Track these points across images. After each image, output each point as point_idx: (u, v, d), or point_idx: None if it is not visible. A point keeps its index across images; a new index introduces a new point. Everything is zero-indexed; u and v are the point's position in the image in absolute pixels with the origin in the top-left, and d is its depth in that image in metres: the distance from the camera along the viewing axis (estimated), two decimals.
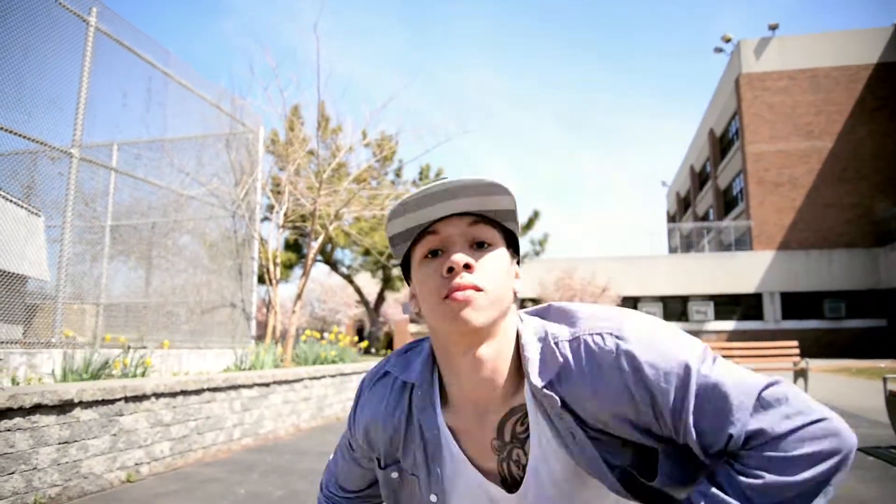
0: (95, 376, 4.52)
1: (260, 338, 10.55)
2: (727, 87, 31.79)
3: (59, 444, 3.59)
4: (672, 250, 34.22)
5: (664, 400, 0.90)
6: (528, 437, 1.00)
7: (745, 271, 27.62)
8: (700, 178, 39.82)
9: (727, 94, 31.76)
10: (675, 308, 28.54)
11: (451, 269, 0.94)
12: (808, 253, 27.53)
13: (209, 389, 4.91)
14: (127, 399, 4.08)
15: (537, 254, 18.55)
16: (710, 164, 35.90)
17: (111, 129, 7.10)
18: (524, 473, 1.00)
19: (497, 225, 1.01)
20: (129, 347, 5.17)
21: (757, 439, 0.87)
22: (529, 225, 18.00)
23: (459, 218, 0.99)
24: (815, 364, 19.59)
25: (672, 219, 49.33)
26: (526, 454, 1.00)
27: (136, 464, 4.16)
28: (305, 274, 9.03)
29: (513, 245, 1.05)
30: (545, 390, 0.96)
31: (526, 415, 1.00)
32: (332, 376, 7.22)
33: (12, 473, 3.30)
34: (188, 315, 7.77)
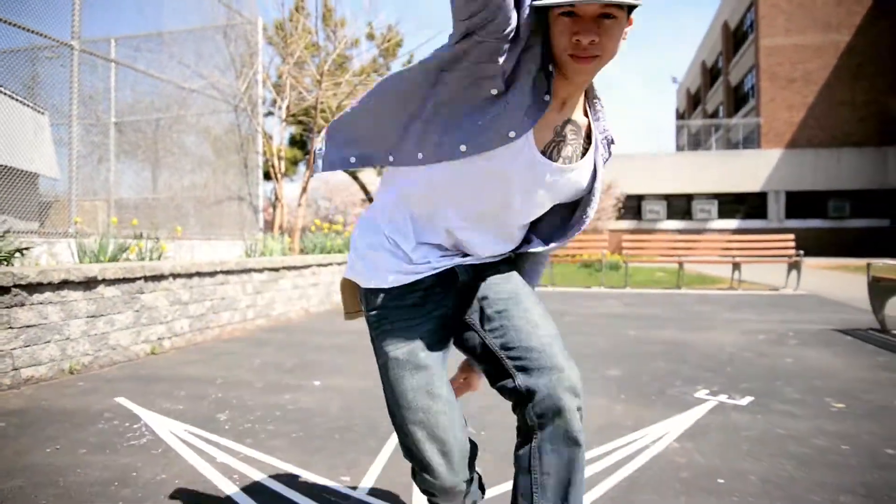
0: (114, 259, 4.77)
1: (268, 231, 10.81)
2: None
3: (88, 317, 3.88)
4: (679, 148, 33.88)
5: None
6: (571, 140, 1.34)
7: (752, 170, 27.46)
8: (711, 75, 38.76)
9: None
10: (679, 206, 28.63)
11: (578, 44, 1.17)
12: (817, 151, 27.23)
13: (222, 272, 5.19)
14: (146, 278, 4.35)
15: None
16: (722, 59, 34.83)
17: (108, 23, 7.03)
18: (558, 159, 1.33)
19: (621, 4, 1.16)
20: (142, 234, 5.40)
21: None
22: None
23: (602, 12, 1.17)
24: (814, 261, 19.91)
25: (681, 116, 48.43)
26: (560, 152, 1.34)
27: (159, 338, 4.49)
28: (310, 168, 9.16)
29: (630, 12, 1.23)
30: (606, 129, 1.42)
31: (577, 132, 1.36)
32: (339, 264, 7.51)
33: (48, 342, 3.61)
34: (197, 209, 7.97)
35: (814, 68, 27.82)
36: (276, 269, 6.06)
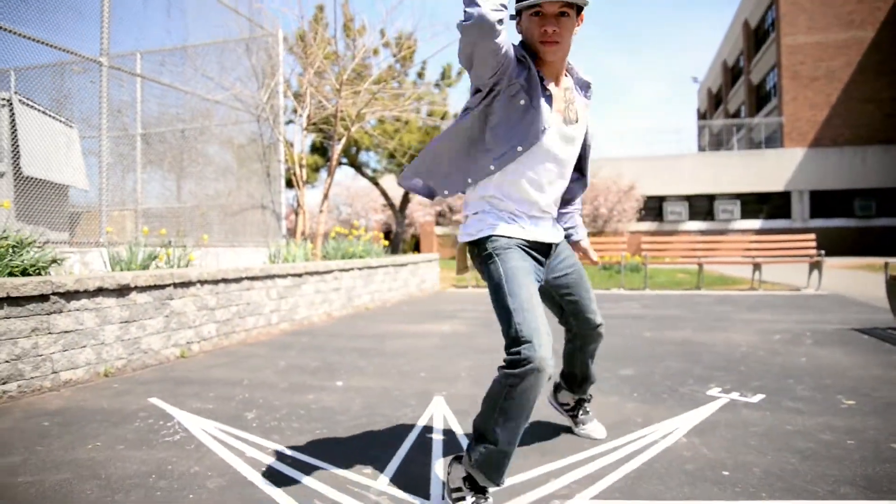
0: (145, 267, 4.97)
1: (290, 238, 11.01)
2: None
3: (121, 322, 4.07)
4: (701, 149, 33.63)
5: None
6: (570, 102, 2.04)
7: (774, 169, 27.20)
8: (732, 74, 38.45)
9: None
10: (700, 206, 28.44)
11: (545, 32, 1.87)
12: (842, 150, 26.88)
13: (247, 278, 5.36)
14: (175, 285, 4.54)
15: None
16: (743, 58, 34.54)
17: (134, 38, 7.27)
18: (574, 119, 2.05)
19: (573, 5, 1.87)
20: (170, 242, 5.60)
21: None
22: None
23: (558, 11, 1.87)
24: (838, 261, 19.67)
25: (703, 116, 48.04)
26: (571, 114, 2.04)
27: (188, 342, 4.67)
28: (330, 175, 9.34)
29: (580, 12, 1.92)
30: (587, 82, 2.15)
31: (568, 91, 2.05)
32: (360, 269, 7.67)
33: (84, 347, 3.80)
34: (221, 217, 8.19)
35: (837, 66, 27.50)
36: (299, 275, 6.23)
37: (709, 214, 28.33)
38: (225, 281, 5.08)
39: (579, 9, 1.89)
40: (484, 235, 2.00)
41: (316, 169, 17.24)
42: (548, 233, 2.11)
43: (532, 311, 1.83)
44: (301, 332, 5.82)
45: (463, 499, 1.86)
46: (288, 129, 12.04)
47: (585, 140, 2.18)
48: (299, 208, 9.36)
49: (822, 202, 27.02)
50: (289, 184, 10.00)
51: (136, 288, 4.18)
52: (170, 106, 7.93)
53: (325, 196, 9.33)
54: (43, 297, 3.53)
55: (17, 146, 5.49)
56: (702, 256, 10.81)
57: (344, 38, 11.20)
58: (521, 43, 1.96)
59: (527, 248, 2.03)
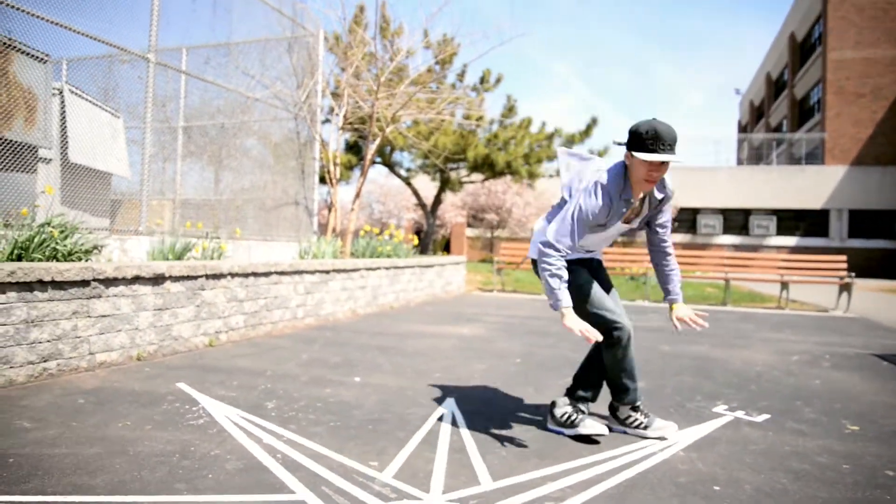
0: (180, 257, 5.20)
1: (322, 234, 11.25)
2: None
3: (155, 310, 4.29)
4: (740, 162, 33.13)
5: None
6: (636, 210, 2.81)
7: (814, 186, 26.69)
8: (776, 87, 37.77)
9: None
10: (735, 220, 28.05)
11: (652, 175, 2.60)
12: (885, 169, 26.26)
13: (276, 273, 5.57)
14: (207, 276, 4.75)
15: None
16: (787, 71, 33.92)
17: (181, 33, 7.55)
18: (632, 217, 2.84)
19: None
20: (207, 234, 5.83)
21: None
22: (587, 132, 17.75)
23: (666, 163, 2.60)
24: (875, 283, 19.25)
25: (743, 129, 47.27)
26: (630, 220, 2.85)
27: (217, 332, 4.88)
28: (363, 174, 9.53)
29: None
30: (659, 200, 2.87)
31: (639, 204, 2.81)
32: (387, 269, 7.84)
33: (119, 331, 4.02)
34: (255, 211, 8.44)
35: (885, 83, 26.87)
36: (327, 272, 6.42)
37: (743, 229, 27.93)
38: (255, 274, 5.29)
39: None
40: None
41: (350, 167, 17.50)
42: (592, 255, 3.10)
43: (604, 301, 2.87)
44: (325, 328, 6.00)
45: (638, 423, 2.91)
46: (324, 127, 12.28)
47: (659, 222, 2.95)
48: (332, 205, 9.58)
49: (862, 222, 26.42)
50: (322, 181, 10.23)
51: (170, 277, 4.40)
52: (211, 100, 8.20)
53: (358, 194, 9.53)
54: (84, 283, 3.76)
55: (66, 134, 5.77)
56: (730, 271, 10.74)
57: (381, 40, 11.39)
58: (618, 176, 2.71)
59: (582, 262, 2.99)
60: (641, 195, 2.75)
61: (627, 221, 2.82)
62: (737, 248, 27.23)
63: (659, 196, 2.79)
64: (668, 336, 6.32)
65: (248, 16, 8.35)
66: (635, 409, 2.96)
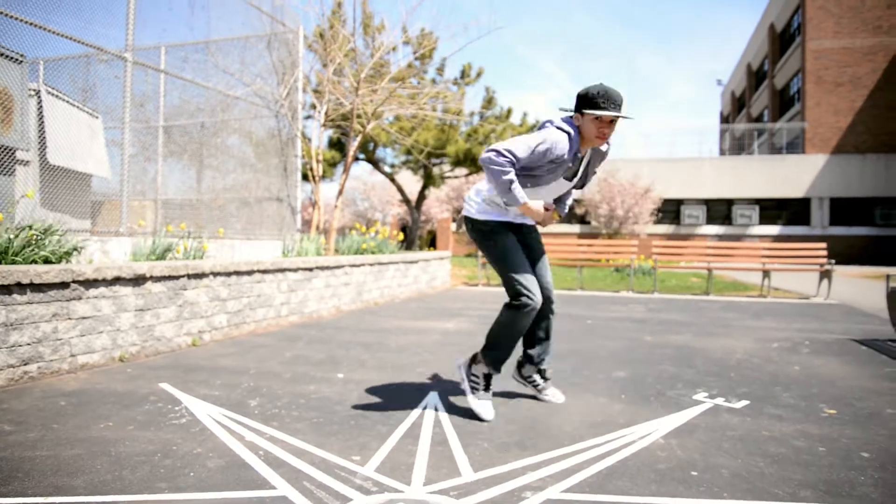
0: (161, 258, 5.17)
1: (305, 232, 11.22)
2: None
3: (136, 311, 4.27)
4: (722, 152, 33.40)
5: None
6: (576, 166, 3.02)
7: (795, 175, 26.99)
8: (757, 78, 38.10)
9: None
10: (719, 211, 28.31)
11: (604, 133, 2.82)
12: (864, 157, 26.61)
13: (259, 271, 5.55)
14: (189, 276, 4.73)
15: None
16: (768, 62, 34.23)
17: (159, 32, 7.49)
18: (572, 178, 3.07)
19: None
20: (189, 234, 5.80)
21: None
22: None
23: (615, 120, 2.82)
24: (856, 270, 19.51)
25: (725, 120, 47.65)
26: (575, 172, 3.05)
27: (200, 331, 4.86)
28: (346, 170, 9.52)
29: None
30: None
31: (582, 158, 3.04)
32: (371, 265, 7.84)
33: (101, 333, 4.00)
34: (238, 209, 8.40)
35: (863, 72, 27.19)
36: (310, 269, 6.41)
37: (727, 219, 28.19)
38: (237, 273, 5.27)
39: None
40: (484, 219, 3.11)
41: (333, 164, 17.45)
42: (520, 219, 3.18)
43: (523, 267, 3.01)
44: (309, 325, 6.00)
45: (477, 387, 3.10)
46: (306, 124, 12.24)
47: (586, 177, 3.13)
48: (315, 203, 9.56)
49: (843, 210, 26.76)
50: (305, 178, 10.19)
51: (151, 278, 4.38)
52: (191, 98, 8.14)
53: (340, 192, 9.51)
54: (63, 285, 3.73)
55: (44, 135, 5.71)
56: (713, 261, 10.84)
57: (363, 36, 11.36)
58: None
59: (510, 226, 3.15)
60: (587, 159, 3.04)
61: (569, 179, 3.02)
62: (720, 237, 27.48)
63: (600, 159, 3.10)
64: (652, 327, 6.38)
65: (227, 13, 8.30)
66: (526, 369, 3.39)
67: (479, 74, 17.17)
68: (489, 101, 17.83)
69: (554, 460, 2.42)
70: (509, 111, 18.02)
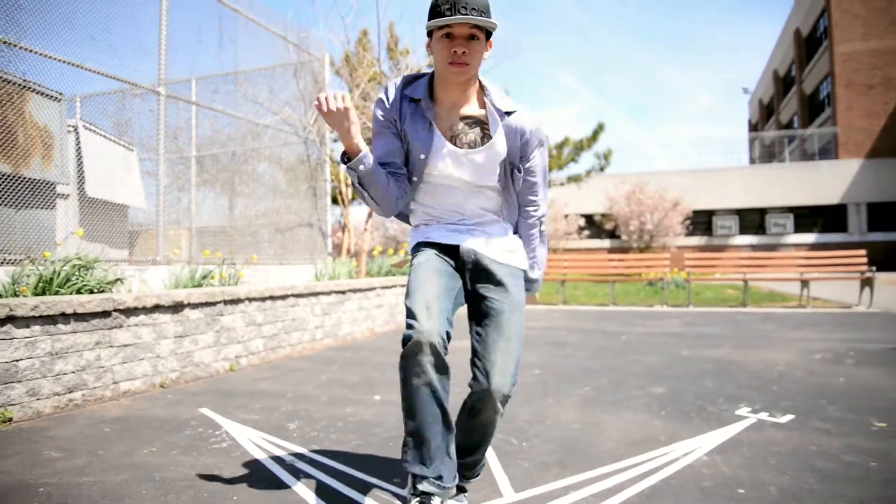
0: (198, 285, 5.26)
1: (336, 255, 11.33)
2: None
3: (175, 337, 4.34)
4: (752, 161, 32.94)
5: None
6: (468, 131, 2.01)
7: (829, 181, 26.45)
8: (784, 84, 37.59)
9: None
10: (751, 220, 27.84)
11: (454, 53, 1.85)
12: None
13: (293, 295, 5.62)
14: (225, 302, 4.81)
15: (602, 169, 18.31)
16: (795, 67, 33.78)
17: (189, 65, 7.69)
18: (462, 146, 2.00)
19: (482, 28, 1.85)
20: (223, 261, 5.90)
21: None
22: (594, 137, 17.73)
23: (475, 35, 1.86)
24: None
25: (754, 128, 47.02)
26: (461, 140, 2.00)
27: (237, 356, 4.93)
28: None
29: (489, 37, 1.92)
30: (505, 112, 2.01)
31: (475, 122, 2.01)
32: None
33: (142, 360, 4.08)
34: (270, 235, 8.53)
35: (894, 73, 26.64)
36: (343, 292, 6.46)
37: (760, 228, 27.70)
38: (272, 298, 5.34)
39: (489, 34, 1.90)
40: (415, 244, 2.19)
41: None
42: (460, 239, 2.10)
43: (420, 289, 1.92)
44: (344, 348, 6.03)
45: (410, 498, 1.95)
46: (334, 148, 12.39)
47: (527, 166, 2.08)
48: (345, 226, 9.66)
49: (882, 214, 26.10)
50: (335, 202, 10.31)
51: (189, 305, 4.46)
52: (222, 128, 8.34)
53: (370, 214, 9.60)
54: (105, 314, 3.82)
55: (82, 169, 5.89)
56: (748, 272, 10.65)
57: (388, 60, 11.52)
58: (413, 78, 2.05)
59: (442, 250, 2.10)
60: (461, 104, 2.00)
61: (454, 141, 1.99)
62: (754, 248, 27.00)
63: (515, 125, 1.99)
64: (689, 341, 6.28)
65: (254, 44, 8.49)
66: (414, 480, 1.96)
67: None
68: None
69: (595, 479, 2.39)
70: None
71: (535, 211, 2.17)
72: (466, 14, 1.78)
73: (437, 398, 1.88)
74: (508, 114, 1.99)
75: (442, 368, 1.88)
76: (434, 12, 1.85)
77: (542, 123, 2.07)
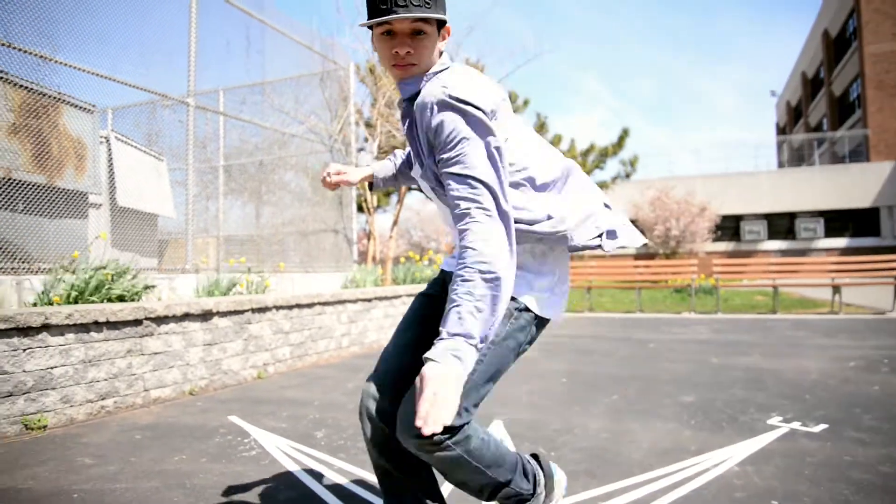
0: (226, 293, 5.33)
1: (362, 263, 11.40)
2: None
3: (204, 345, 4.40)
4: (781, 165, 32.40)
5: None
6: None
7: (860, 184, 25.89)
8: (813, 86, 36.98)
9: None
10: (781, 225, 27.37)
11: (396, 55, 1.51)
12: None
13: (320, 303, 5.66)
14: (253, 310, 4.86)
15: (628, 175, 18.19)
16: (823, 69, 33.22)
17: (217, 76, 7.83)
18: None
19: (429, 20, 1.51)
20: (249, 269, 5.97)
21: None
22: (620, 144, 17.62)
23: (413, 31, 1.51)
24: None
25: (782, 131, 46.30)
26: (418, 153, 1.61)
27: (264, 364, 4.97)
28: (400, 201, 9.66)
29: (442, 26, 1.57)
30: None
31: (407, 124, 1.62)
32: None
33: (172, 367, 4.14)
34: (296, 243, 8.61)
35: None
36: (369, 300, 6.49)
37: (790, 233, 27.22)
38: (298, 306, 5.39)
39: (441, 23, 1.57)
40: None
41: (387, 194, 17.73)
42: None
43: (386, 349, 1.71)
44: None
45: None
46: (359, 156, 12.49)
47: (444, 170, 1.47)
48: (370, 234, 9.71)
49: None
50: (360, 209, 10.38)
51: (217, 313, 4.52)
52: (249, 138, 8.45)
53: (395, 222, 9.64)
54: (137, 322, 3.89)
55: (114, 179, 6.01)
56: (778, 278, 10.47)
57: None
58: None
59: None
60: (407, 119, 1.61)
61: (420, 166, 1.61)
62: (784, 253, 26.54)
63: (419, 109, 1.49)
64: (718, 348, 6.19)
65: (280, 54, 8.61)
66: None
67: (526, 102, 17.24)
68: (541, 126, 17.85)
69: (625, 490, 2.37)
70: (558, 138, 17.98)
71: (466, 233, 1.36)
72: (405, 7, 1.46)
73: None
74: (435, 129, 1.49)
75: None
76: (369, 4, 1.52)
77: (454, 86, 1.46)
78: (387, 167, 2.05)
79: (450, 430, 1.44)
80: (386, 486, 1.68)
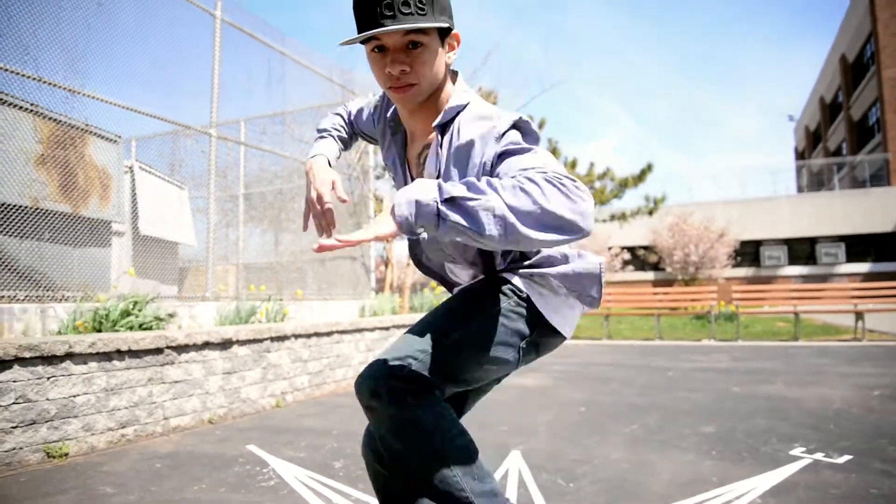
0: (245, 321, 5.38)
1: (379, 290, 11.45)
2: (860, 6, 28.94)
3: (224, 374, 4.44)
4: (800, 190, 32.15)
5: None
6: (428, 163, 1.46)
7: (882, 209, 25.57)
8: (831, 110, 36.82)
9: (860, 14, 28.95)
10: (801, 250, 27.05)
11: (390, 76, 1.32)
12: None
13: (338, 332, 5.69)
14: (272, 339, 4.90)
15: (651, 213, 18.20)
16: (841, 93, 33.09)
17: (239, 107, 8.00)
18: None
19: (426, 30, 1.30)
20: (269, 297, 6.03)
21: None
22: (642, 177, 17.61)
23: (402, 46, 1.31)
24: None
25: (801, 156, 46.02)
26: (424, 173, 1.49)
27: (283, 392, 5.00)
28: None
29: (446, 35, 1.37)
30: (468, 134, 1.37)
31: (427, 149, 1.49)
32: None
33: (191, 396, 4.17)
34: (315, 271, 8.68)
35: None
36: (387, 328, 6.51)
37: (810, 258, 26.90)
38: (317, 334, 5.42)
39: (445, 31, 1.35)
40: None
41: None
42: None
43: None
44: None
45: None
46: (377, 184, 12.62)
47: None
48: (388, 261, 9.77)
49: None
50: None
51: (237, 341, 4.56)
52: (269, 167, 8.59)
53: None
54: (158, 350, 3.94)
55: (137, 208, 6.14)
56: (799, 304, 10.33)
57: None
58: None
59: None
60: (423, 133, 1.50)
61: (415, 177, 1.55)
62: (805, 278, 26.19)
63: (483, 146, 1.32)
64: (739, 377, 6.11)
65: (300, 85, 8.78)
66: None
67: (541, 125, 17.34)
68: (553, 152, 17.94)
69: None
70: (574, 162, 18.03)
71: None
72: (393, 16, 1.24)
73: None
74: (445, 127, 1.41)
75: None
76: (356, 16, 1.31)
77: (499, 117, 1.33)
78: (333, 150, 1.85)
79: (408, 381, 1.30)
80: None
